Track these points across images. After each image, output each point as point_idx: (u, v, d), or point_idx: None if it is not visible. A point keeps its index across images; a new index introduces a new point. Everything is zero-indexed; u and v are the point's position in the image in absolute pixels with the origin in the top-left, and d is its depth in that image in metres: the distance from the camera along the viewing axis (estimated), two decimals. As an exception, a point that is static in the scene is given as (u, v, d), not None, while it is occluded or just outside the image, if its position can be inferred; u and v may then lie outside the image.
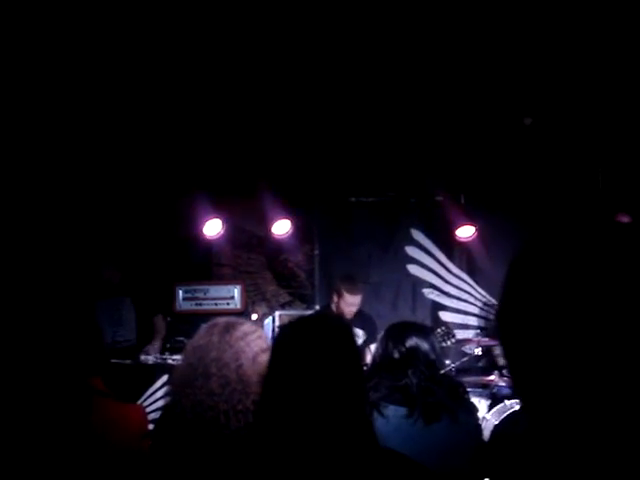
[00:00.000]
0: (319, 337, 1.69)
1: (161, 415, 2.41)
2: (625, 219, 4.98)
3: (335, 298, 5.84)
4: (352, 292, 5.75)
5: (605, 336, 0.83)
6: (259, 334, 2.28)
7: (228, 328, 2.27)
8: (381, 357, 3.13)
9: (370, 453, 1.60)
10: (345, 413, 1.60)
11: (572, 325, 0.85)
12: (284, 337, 1.75)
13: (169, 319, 5.84)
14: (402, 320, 3.50)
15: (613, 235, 0.90)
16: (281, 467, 1.54)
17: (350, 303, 5.75)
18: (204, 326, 2.35)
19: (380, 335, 3.28)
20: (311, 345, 1.67)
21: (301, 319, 1.86)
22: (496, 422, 4.83)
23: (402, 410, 2.87)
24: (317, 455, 1.54)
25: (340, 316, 5.35)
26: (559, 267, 0.89)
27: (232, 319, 2.41)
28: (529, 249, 0.95)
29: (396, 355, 3.04)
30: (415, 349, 3.03)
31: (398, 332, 3.15)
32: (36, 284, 5.34)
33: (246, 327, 2.32)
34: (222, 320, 2.36)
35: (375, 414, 2.87)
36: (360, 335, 5.82)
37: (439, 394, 2.90)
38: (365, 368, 4.91)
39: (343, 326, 1.79)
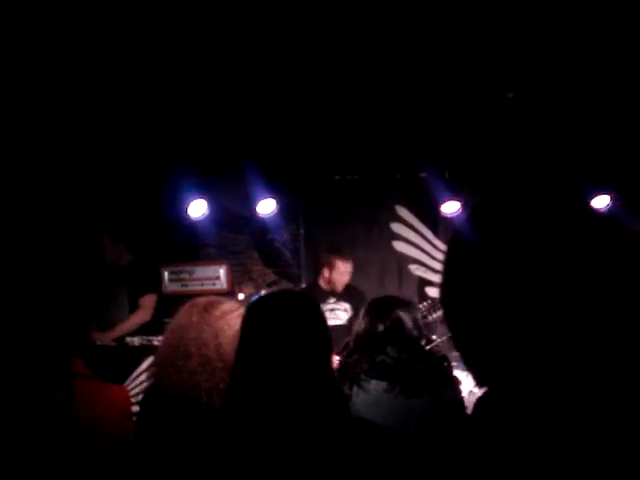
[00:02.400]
0: (286, 312, 1.72)
1: (145, 395, 2.42)
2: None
3: (326, 272, 5.84)
4: (344, 259, 5.75)
5: (540, 302, 0.84)
6: (239, 313, 2.28)
7: (207, 308, 2.28)
8: (363, 332, 3.14)
9: (342, 422, 1.63)
10: (314, 384, 1.63)
11: (511, 293, 0.86)
12: (252, 313, 1.77)
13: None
14: (384, 295, 3.52)
15: (551, 204, 0.91)
16: (254, 441, 1.57)
17: (343, 271, 5.76)
18: (184, 306, 2.36)
19: (362, 310, 3.29)
20: (278, 319, 1.70)
21: (268, 296, 1.89)
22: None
23: (383, 384, 2.88)
24: (289, 427, 1.57)
25: (307, 294, 5.38)
26: (497, 233, 0.90)
27: (212, 298, 2.42)
28: (468, 219, 0.96)
29: (378, 329, 3.06)
30: (397, 324, 3.05)
31: (380, 307, 3.16)
32: (20, 264, 5.33)
33: (226, 306, 2.33)
34: (202, 300, 2.37)
35: (356, 388, 2.89)
36: (348, 309, 5.85)
37: (420, 368, 2.91)
38: (351, 344, 4.97)
39: (309, 301, 1.82)
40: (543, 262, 0.85)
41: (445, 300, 0.98)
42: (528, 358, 0.86)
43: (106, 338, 5.21)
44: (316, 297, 5.26)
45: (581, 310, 0.84)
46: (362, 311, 3.26)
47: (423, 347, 3.15)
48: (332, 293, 5.84)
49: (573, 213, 0.89)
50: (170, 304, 5.74)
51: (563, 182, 0.94)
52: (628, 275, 0.85)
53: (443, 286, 0.99)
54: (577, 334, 0.83)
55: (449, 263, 0.97)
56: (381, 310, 3.12)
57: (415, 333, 3.08)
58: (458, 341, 0.96)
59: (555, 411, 0.85)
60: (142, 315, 5.59)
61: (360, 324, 3.17)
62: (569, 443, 0.83)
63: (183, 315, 2.30)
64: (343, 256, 5.76)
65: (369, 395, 2.85)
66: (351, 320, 5.83)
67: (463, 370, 5.44)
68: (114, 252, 5.80)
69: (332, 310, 5.80)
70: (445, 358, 3.14)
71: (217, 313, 2.26)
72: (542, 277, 0.85)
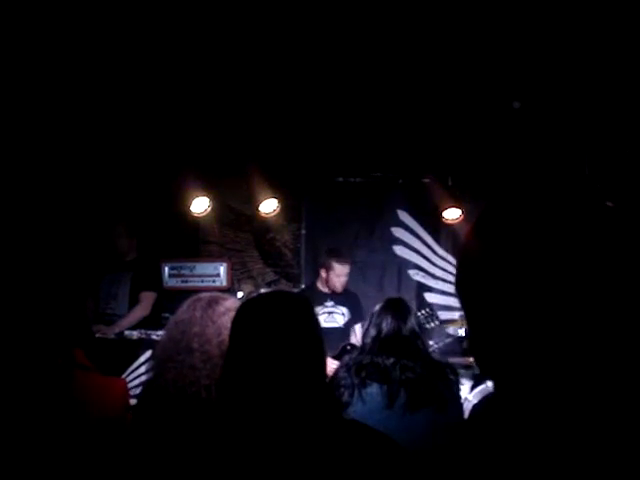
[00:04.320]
0: (277, 311, 1.71)
1: (143, 389, 2.42)
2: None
3: (324, 273, 5.85)
4: (341, 262, 5.76)
5: (562, 296, 0.86)
6: (243, 310, 2.29)
7: (211, 303, 2.28)
8: (365, 336, 3.15)
9: (333, 421, 1.62)
10: (305, 385, 1.62)
11: (529, 289, 0.87)
12: (243, 313, 1.77)
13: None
14: (398, 296, 3.53)
15: (562, 203, 0.93)
16: (244, 438, 1.56)
17: (339, 274, 5.76)
18: (187, 301, 2.36)
19: (377, 310, 3.26)
20: (269, 319, 1.69)
21: (260, 295, 1.88)
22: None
23: (383, 388, 2.89)
24: (279, 427, 1.56)
25: (301, 294, 5.40)
26: (514, 230, 0.92)
27: (216, 294, 2.41)
28: (485, 215, 0.98)
29: (403, 332, 3.06)
30: (401, 329, 3.06)
31: (402, 308, 3.17)
32: (26, 253, 5.34)
33: (229, 303, 2.33)
34: (206, 295, 2.37)
35: (356, 393, 2.89)
36: (345, 313, 5.86)
37: (422, 374, 2.92)
38: (349, 348, 4.97)
39: (301, 301, 1.81)
40: (557, 260, 0.87)
41: (461, 291, 0.99)
42: (539, 357, 0.87)
43: (107, 332, 5.23)
44: (314, 299, 5.28)
45: (593, 308, 0.85)
46: (379, 309, 3.23)
47: (424, 352, 3.15)
48: (330, 296, 5.84)
49: (589, 211, 0.91)
50: (169, 299, 5.77)
51: (577, 182, 0.96)
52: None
53: (460, 274, 1.00)
54: (589, 333, 0.85)
55: (465, 256, 0.98)
56: (403, 312, 3.13)
57: (416, 338, 3.09)
58: (473, 339, 0.97)
59: (562, 412, 0.86)
60: (142, 310, 5.62)
61: (380, 323, 3.13)
62: (574, 446, 0.84)
63: (186, 310, 2.29)
64: (340, 258, 5.77)
65: (371, 400, 2.86)
66: (348, 324, 5.84)
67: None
68: (128, 244, 5.83)
69: (330, 313, 5.81)
70: (453, 369, 3.12)
71: (221, 309, 2.26)
72: (556, 275, 0.86)
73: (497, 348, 0.92)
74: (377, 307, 3.27)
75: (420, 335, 3.12)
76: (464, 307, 0.99)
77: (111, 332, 5.24)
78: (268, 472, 1.51)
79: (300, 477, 1.50)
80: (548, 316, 0.86)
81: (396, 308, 3.18)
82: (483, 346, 0.95)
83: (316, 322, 1.77)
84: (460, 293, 1.00)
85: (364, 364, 2.98)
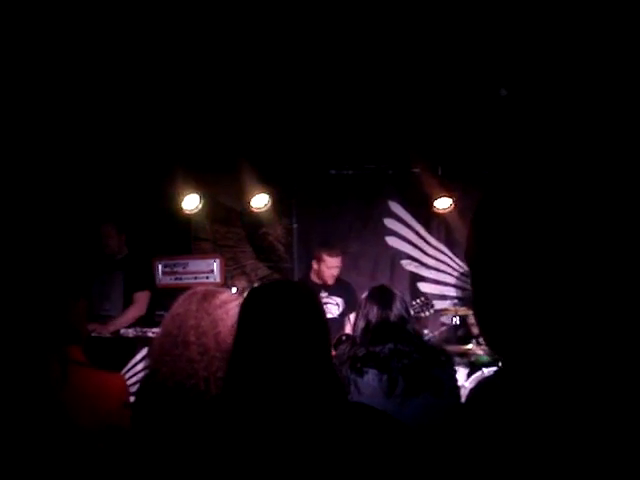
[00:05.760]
0: (284, 299, 1.73)
1: (141, 384, 2.43)
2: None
3: (315, 265, 5.91)
4: (331, 254, 5.80)
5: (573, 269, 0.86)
6: (238, 303, 2.29)
7: (207, 297, 2.29)
8: (361, 324, 3.15)
9: (340, 409, 1.64)
10: (312, 372, 1.64)
11: (536, 262, 0.88)
12: (250, 302, 1.78)
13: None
14: (381, 284, 3.52)
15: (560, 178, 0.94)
16: (251, 429, 1.58)
17: (331, 266, 5.82)
18: (183, 295, 2.37)
19: (363, 299, 3.27)
20: (276, 308, 1.71)
21: (265, 285, 1.90)
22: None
23: (382, 377, 2.89)
24: (286, 415, 1.58)
25: (304, 283, 5.42)
26: (519, 206, 0.92)
27: (211, 288, 2.43)
28: (490, 196, 0.99)
29: (391, 318, 3.07)
30: (389, 316, 3.07)
31: (386, 295, 3.17)
32: (20, 251, 5.34)
33: (225, 296, 2.34)
34: (201, 289, 2.38)
35: (352, 385, 2.90)
36: (340, 304, 5.88)
37: (417, 359, 2.93)
38: (344, 338, 4.99)
39: (306, 290, 1.83)
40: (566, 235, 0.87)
41: (475, 266, 1.00)
42: (546, 333, 0.88)
43: (103, 330, 5.23)
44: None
45: (600, 286, 0.86)
46: (363, 300, 3.25)
47: (420, 339, 3.16)
48: (324, 287, 5.87)
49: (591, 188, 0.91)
50: (163, 297, 5.77)
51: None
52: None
53: (470, 246, 1.01)
54: (595, 309, 0.85)
55: (476, 227, 0.99)
56: (388, 299, 3.13)
57: (409, 324, 3.10)
58: (480, 313, 0.98)
59: (567, 387, 0.86)
60: (137, 310, 5.62)
61: (367, 313, 3.14)
62: (574, 430, 0.85)
63: (182, 304, 2.31)
64: (330, 250, 5.82)
65: (367, 386, 2.87)
66: (343, 314, 5.87)
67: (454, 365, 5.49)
68: (117, 243, 5.82)
69: (324, 304, 5.83)
70: (445, 352, 3.13)
71: (216, 302, 2.27)
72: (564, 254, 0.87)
73: (505, 322, 0.92)
74: (362, 298, 3.28)
75: (409, 319, 3.13)
76: (472, 279, 0.99)
77: (106, 331, 5.24)
78: (275, 460, 1.52)
79: (309, 459, 1.52)
80: (555, 290, 0.87)
81: (380, 296, 3.18)
82: (491, 319, 0.96)
83: (322, 309, 1.80)
84: (470, 265, 1.00)
85: (359, 356, 2.99)
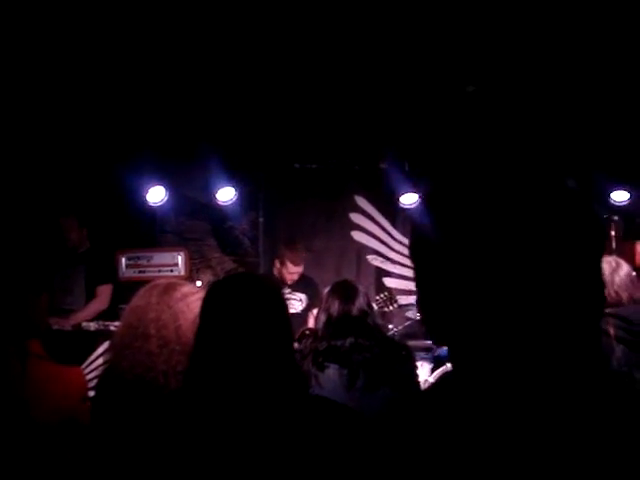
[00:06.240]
0: (246, 292, 1.73)
1: (101, 377, 2.40)
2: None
3: (277, 264, 5.89)
4: (295, 261, 5.81)
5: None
6: (199, 296, 2.26)
7: (167, 289, 2.27)
8: (337, 314, 3.15)
9: (301, 402, 1.64)
10: (273, 365, 1.64)
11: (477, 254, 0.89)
12: (212, 295, 1.78)
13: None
14: (344, 279, 3.53)
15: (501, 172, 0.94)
16: (211, 421, 1.58)
17: (292, 272, 5.84)
18: (144, 288, 2.34)
19: (326, 293, 3.28)
20: (238, 301, 1.70)
21: (228, 278, 1.89)
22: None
23: (342, 371, 2.91)
24: (247, 407, 1.58)
25: (268, 276, 5.42)
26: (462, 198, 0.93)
27: (172, 281, 2.41)
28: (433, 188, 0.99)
29: (352, 313, 3.07)
30: (350, 310, 3.08)
31: (348, 290, 3.18)
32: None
33: (186, 289, 2.32)
34: (162, 282, 2.36)
35: (313, 380, 2.91)
36: (303, 299, 5.88)
37: (378, 353, 2.94)
38: (307, 332, 4.99)
39: (269, 283, 1.86)
40: (506, 228, 0.88)
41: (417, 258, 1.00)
42: (488, 325, 0.88)
43: (64, 324, 5.17)
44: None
45: (541, 277, 0.86)
46: (326, 295, 3.25)
47: (381, 333, 3.18)
48: (287, 283, 5.86)
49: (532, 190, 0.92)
50: (126, 290, 5.70)
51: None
52: (584, 251, 0.88)
53: (413, 240, 1.01)
54: (537, 300, 0.86)
55: (418, 222, 0.99)
56: (350, 293, 3.14)
57: (371, 318, 3.11)
58: (423, 306, 0.99)
59: (511, 377, 0.87)
60: (99, 304, 5.57)
61: (329, 308, 3.14)
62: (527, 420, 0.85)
63: (143, 296, 2.28)
64: (294, 256, 5.81)
65: (328, 380, 2.87)
66: (306, 310, 5.87)
67: (418, 360, 5.52)
68: (79, 236, 5.75)
69: (287, 300, 5.81)
70: (405, 347, 3.16)
71: (177, 295, 2.25)
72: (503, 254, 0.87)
73: (448, 314, 0.93)
74: (324, 292, 3.29)
75: (370, 314, 3.14)
76: (416, 273, 1.00)
77: (68, 324, 5.18)
78: (235, 453, 1.52)
79: (267, 453, 1.51)
80: (494, 281, 0.87)
81: (342, 291, 3.19)
82: (433, 313, 0.96)
83: (284, 302, 1.80)
84: (413, 259, 1.01)
85: (320, 350, 3.00)
